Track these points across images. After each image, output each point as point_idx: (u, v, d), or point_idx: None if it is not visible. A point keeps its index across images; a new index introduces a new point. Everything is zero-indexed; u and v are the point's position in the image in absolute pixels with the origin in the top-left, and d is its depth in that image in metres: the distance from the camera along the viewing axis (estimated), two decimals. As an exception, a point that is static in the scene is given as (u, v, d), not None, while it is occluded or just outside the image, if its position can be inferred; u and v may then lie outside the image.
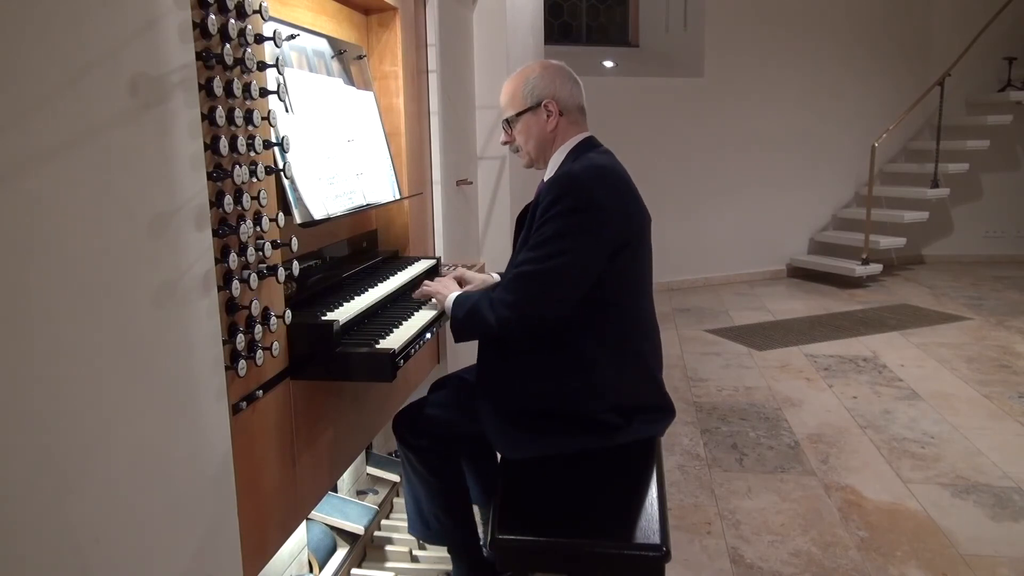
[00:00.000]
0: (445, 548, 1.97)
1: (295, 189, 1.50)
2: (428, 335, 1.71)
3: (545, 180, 1.77)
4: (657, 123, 5.99)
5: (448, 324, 1.77)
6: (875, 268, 6.05)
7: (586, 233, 1.57)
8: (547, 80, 1.74)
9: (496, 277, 1.99)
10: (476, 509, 2.00)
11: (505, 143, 1.84)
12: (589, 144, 1.76)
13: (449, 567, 1.98)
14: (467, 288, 1.86)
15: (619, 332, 1.68)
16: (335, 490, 2.17)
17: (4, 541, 0.82)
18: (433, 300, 1.83)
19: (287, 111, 1.51)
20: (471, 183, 3.03)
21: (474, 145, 3.22)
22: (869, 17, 6.40)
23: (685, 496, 2.65)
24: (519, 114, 1.77)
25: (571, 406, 1.66)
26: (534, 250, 1.59)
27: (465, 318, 1.67)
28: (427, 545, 2.13)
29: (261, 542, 1.34)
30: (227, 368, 1.19)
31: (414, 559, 2.13)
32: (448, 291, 1.78)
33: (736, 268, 6.45)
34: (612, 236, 1.60)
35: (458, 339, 1.73)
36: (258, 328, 1.27)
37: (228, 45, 1.18)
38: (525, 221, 1.72)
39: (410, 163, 2.23)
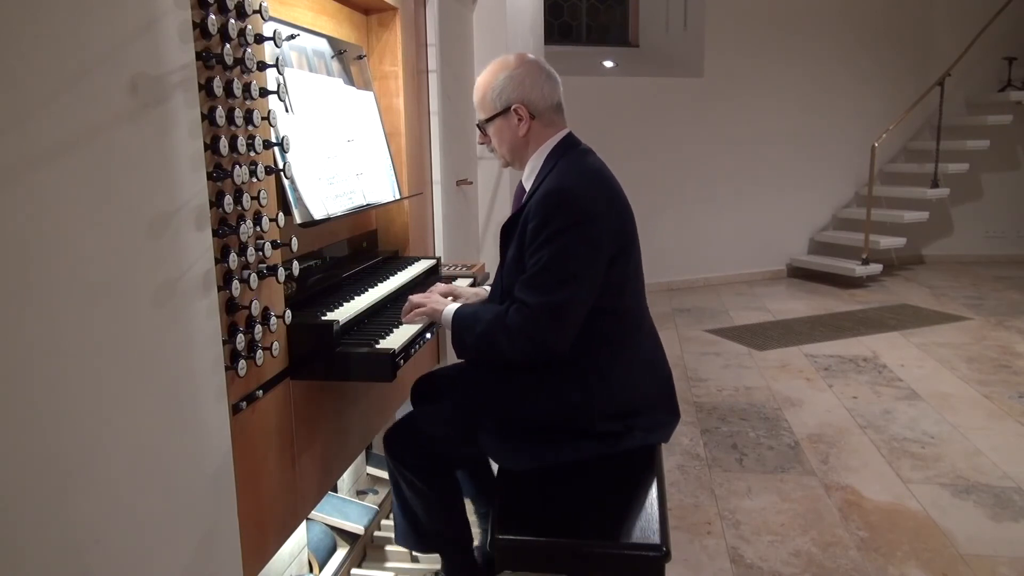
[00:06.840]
0: (437, 554, 1.91)
1: (295, 189, 1.50)
2: (428, 335, 1.70)
3: (525, 185, 1.73)
4: (657, 123, 5.98)
5: (448, 338, 1.69)
6: (875, 268, 6.05)
7: (587, 247, 1.54)
8: (515, 83, 1.65)
9: (487, 291, 1.91)
10: (468, 504, 1.96)
11: (482, 143, 1.77)
12: (568, 144, 1.69)
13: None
14: (462, 302, 1.77)
15: (622, 336, 1.66)
16: (335, 490, 2.17)
17: (4, 541, 0.82)
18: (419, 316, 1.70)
19: (287, 111, 1.51)
20: (471, 183, 3.03)
21: (474, 145, 3.22)
22: (869, 17, 6.39)
23: (685, 496, 2.65)
24: (489, 119, 1.69)
25: (576, 421, 1.63)
26: (540, 276, 1.53)
27: (477, 343, 1.61)
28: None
29: (261, 542, 1.34)
30: (227, 368, 1.19)
31: (414, 559, 2.13)
32: (441, 306, 1.69)
33: (736, 268, 6.44)
34: (609, 243, 1.58)
35: (462, 357, 1.69)
36: (258, 328, 1.27)
37: (228, 45, 1.18)
38: (513, 234, 1.66)
39: (410, 163, 2.23)
